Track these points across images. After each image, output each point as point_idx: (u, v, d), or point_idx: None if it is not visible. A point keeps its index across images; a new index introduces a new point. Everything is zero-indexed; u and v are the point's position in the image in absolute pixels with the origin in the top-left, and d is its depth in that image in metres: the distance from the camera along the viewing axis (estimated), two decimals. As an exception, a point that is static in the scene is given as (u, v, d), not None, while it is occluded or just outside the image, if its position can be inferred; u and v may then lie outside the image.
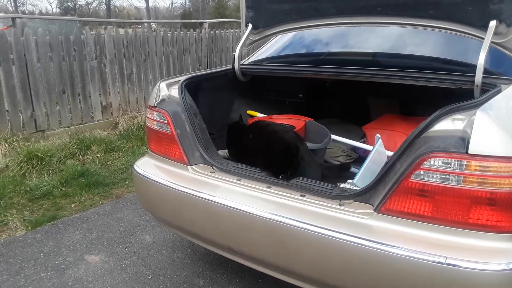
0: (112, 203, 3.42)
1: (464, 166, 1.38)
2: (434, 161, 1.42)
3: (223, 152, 2.29)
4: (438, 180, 1.42)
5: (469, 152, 1.36)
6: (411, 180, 1.47)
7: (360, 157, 2.59)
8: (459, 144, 1.39)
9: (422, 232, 1.45)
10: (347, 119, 2.95)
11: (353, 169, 2.36)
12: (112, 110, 5.38)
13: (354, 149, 2.64)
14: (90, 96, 5.11)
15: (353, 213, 1.58)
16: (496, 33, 1.76)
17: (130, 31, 5.91)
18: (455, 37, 1.98)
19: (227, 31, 7.27)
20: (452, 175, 1.40)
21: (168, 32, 6.04)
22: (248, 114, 2.80)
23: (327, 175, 1.86)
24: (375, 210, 1.55)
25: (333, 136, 2.35)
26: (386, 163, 1.59)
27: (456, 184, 1.40)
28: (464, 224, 1.40)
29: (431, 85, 2.01)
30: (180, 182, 2.00)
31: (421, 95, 2.43)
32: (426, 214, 1.46)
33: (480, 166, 1.36)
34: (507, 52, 1.80)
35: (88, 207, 3.36)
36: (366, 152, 2.28)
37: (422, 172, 1.44)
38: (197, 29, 6.85)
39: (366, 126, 2.68)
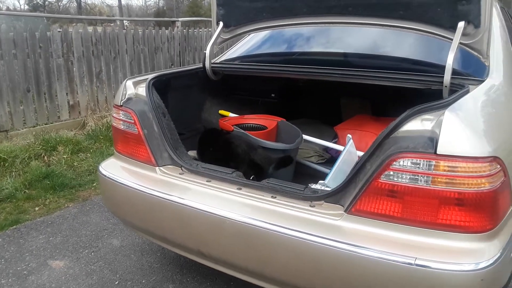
0: (79, 206, 3.30)
1: (432, 166, 1.37)
2: (403, 161, 1.41)
3: (193, 153, 2.24)
4: (407, 181, 1.42)
5: (438, 152, 1.36)
6: (380, 181, 1.46)
7: (332, 158, 2.59)
8: (428, 144, 1.39)
9: (392, 233, 1.45)
10: (320, 119, 2.94)
11: (324, 169, 2.35)
12: (80, 110, 5.21)
13: (327, 149, 2.64)
14: (56, 95, 4.93)
15: (324, 214, 1.56)
16: (464, 34, 1.78)
17: (99, 28, 5.74)
18: (425, 38, 2.00)
19: (200, 30, 7.19)
20: (421, 176, 1.39)
21: (139, 30, 5.91)
22: (219, 114, 2.75)
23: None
24: (345, 211, 1.54)
25: (305, 137, 2.34)
26: (357, 163, 1.58)
27: (425, 185, 1.39)
28: (433, 224, 1.40)
29: (400, 85, 2.02)
30: (147, 184, 1.93)
31: (392, 95, 2.45)
32: (395, 214, 1.45)
33: (448, 166, 1.36)
34: (475, 53, 1.82)
35: (52, 210, 3.23)
36: (338, 153, 2.27)
37: (391, 173, 1.44)
38: (170, 28, 6.74)
39: (338, 127, 2.68)
